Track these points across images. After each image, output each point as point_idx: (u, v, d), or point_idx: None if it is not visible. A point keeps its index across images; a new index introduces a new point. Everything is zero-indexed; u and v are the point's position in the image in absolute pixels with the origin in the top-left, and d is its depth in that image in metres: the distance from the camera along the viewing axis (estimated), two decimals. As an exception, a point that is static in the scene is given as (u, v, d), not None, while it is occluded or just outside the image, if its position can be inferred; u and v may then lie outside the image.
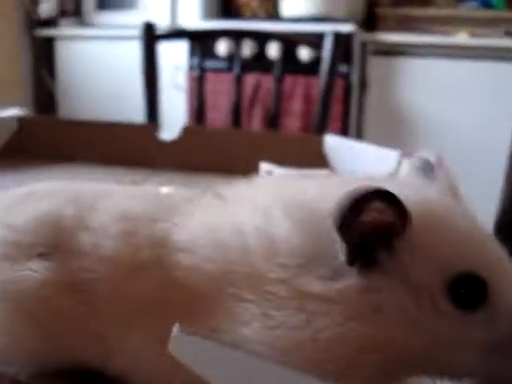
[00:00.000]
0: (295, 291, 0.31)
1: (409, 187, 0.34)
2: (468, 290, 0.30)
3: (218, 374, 0.24)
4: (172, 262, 0.34)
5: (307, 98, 2.21)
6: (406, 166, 0.38)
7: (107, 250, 0.36)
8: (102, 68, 2.66)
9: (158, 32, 1.52)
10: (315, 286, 0.30)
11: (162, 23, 2.34)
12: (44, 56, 2.87)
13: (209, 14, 2.60)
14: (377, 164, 0.88)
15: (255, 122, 2.32)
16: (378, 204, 0.29)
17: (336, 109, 2.18)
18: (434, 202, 0.33)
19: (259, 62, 2.16)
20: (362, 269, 0.31)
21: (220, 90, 2.21)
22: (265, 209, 0.34)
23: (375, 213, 0.29)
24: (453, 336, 0.30)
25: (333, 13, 2.36)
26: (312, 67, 1.88)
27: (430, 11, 2.41)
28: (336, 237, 0.30)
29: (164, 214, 0.37)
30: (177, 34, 1.70)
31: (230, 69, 1.68)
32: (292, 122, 2.24)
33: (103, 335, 0.35)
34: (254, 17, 2.61)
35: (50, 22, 2.80)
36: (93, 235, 0.37)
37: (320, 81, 1.49)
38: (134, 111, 1.81)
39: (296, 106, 2.23)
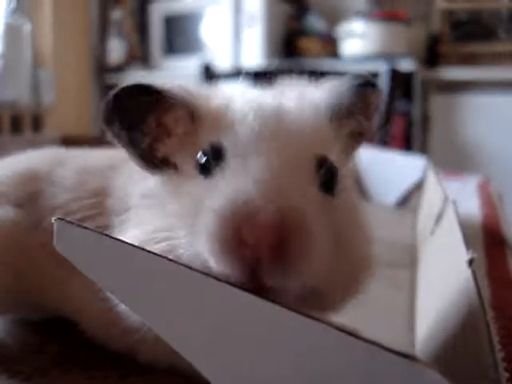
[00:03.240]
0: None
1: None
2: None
3: (96, 263, 0.24)
4: (107, 208, 0.37)
5: (367, 135, 2.20)
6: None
7: (60, 201, 0.39)
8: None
9: (218, 73, 1.57)
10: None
11: (225, 66, 2.40)
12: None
13: (271, 57, 2.64)
14: (403, 171, 0.87)
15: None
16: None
17: (398, 146, 2.16)
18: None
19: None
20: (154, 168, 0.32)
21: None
22: None
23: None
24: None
25: (394, 51, 2.36)
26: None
27: (493, 47, 2.38)
28: None
29: (118, 164, 0.40)
30: (235, 73, 1.74)
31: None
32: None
33: (54, 276, 0.38)
34: (315, 57, 2.64)
35: (120, 69, 2.92)
36: (53, 187, 0.40)
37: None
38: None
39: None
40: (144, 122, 0.31)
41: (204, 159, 0.29)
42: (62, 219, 0.24)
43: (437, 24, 2.56)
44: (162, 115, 0.31)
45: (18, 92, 2.42)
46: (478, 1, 2.43)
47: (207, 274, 0.22)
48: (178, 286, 0.22)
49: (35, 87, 2.53)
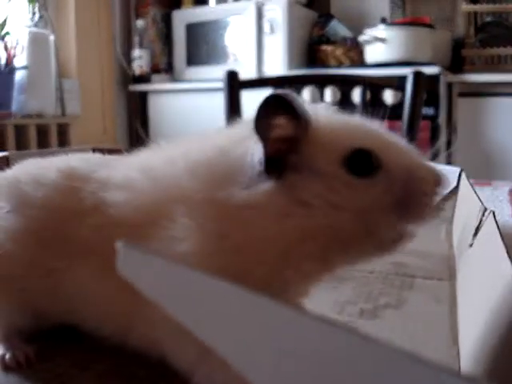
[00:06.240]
0: (220, 205, 0.34)
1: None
2: (362, 162, 0.34)
3: (163, 289, 0.24)
4: (109, 201, 0.38)
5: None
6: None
7: (55, 202, 0.41)
8: (192, 118, 2.75)
9: (242, 80, 1.57)
10: (237, 196, 0.34)
11: (249, 75, 2.40)
12: (138, 108, 3.01)
13: (294, 65, 2.65)
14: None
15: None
16: (281, 119, 0.34)
17: (424, 151, 2.15)
18: (328, 113, 0.39)
19: (343, 107, 2.16)
20: (274, 173, 0.34)
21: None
22: (187, 147, 0.39)
23: (279, 127, 0.34)
24: (364, 203, 0.34)
25: (418, 56, 2.35)
26: (397, 110, 1.87)
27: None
28: (252, 148, 0.35)
29: (103, 165, 0.42)
30: (260, 80, 1.74)
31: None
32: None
33: (53, 269, 0.40)
34: (339, 64, 2.64)
35: (144, 79, 2.94)
36: (44, 189, 0.42)
37: (402, 122, 1.47)
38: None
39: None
40: (272, 126, 0.34)
41: (354, 163, 0.34)
42: (126, 243, 0.24)
43: (461, 28, 2.55)
44: (287, 123, 0.34)
45: (43, 102, 2.45)
46: (502, 3, 2.41)
47: (275, 299, 0.21)
48: (245, 312, 0.22)
49: (60, 97, 2.56)
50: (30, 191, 0.42)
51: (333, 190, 0.33)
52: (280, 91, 0.33)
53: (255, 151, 0.34)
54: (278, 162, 0.34)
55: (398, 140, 0.38)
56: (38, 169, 0.45)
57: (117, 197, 0.38)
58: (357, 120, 0.38)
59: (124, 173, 0.40)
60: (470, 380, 0.19)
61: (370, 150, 0.35)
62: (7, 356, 0.42)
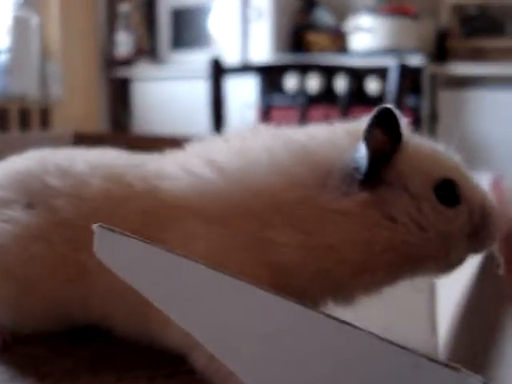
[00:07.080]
0: (310, 206, 0.36)
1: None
2: (448, 192, 0.37)
3: (139, 272, 0.24)
4: (165, 188, 0.38)
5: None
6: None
7: (92, 190, 0.40)
8: (175, 104, 2.74)
9: (226, 67, 1.56)
10: (333, 202, 0.36)
11: (234, 60, 2.40)
12: (120, 93, 2.99)
13: (279, 51, 2.64)
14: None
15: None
16: (385, 133, 0.36)
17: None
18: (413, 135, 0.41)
19: (327, 95, 2.17)
20: (368, 186, 0.36)
21: (287, 125, 2.23)
22: (271, 145, 0.39)
23: (382, 140, 0.36)
24: (449, 230, 0.37)
25: (402, 46, 2.36)
26: (380, 100, 1.88)
27: (502, 42, 2.37)
28: (352, 154, 0.36)
29: (145, 161, 0.42)
30: (243, 68, 1.74)
31: (297, 104, 1.69)
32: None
33: (88, 267, 0.38)
34: (323, 52, 2.64)
35: (127, 62, 2.92)
36: (74, 179, 0.41)
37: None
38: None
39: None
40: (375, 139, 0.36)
41: (442, 192, 0.37)
42: (102, 226, 0.24)
43: (445, 19, 2.56)
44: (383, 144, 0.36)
45: (25, 85, 2.43)
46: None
47: (255, 284, 0.22)
48: (224, 296, 0.22)
49: (43, 80, 2.53)
50: (54, 182, 0.41)
51: (421, 211, 0.36)
52: (389, 106, 0.35)
53: (358, 159, 0.36)
54: (373, 174, 0.36)
55: (470, 173, 0.41)
56: (57, 159, 0.43)
57: (176, 184, 0.38)
58: (441, 148, 0.40)
59: (179, 164, 0.40)
60: (447, 366, 0.20)
61: (457, 181, 0.38)
62: None
